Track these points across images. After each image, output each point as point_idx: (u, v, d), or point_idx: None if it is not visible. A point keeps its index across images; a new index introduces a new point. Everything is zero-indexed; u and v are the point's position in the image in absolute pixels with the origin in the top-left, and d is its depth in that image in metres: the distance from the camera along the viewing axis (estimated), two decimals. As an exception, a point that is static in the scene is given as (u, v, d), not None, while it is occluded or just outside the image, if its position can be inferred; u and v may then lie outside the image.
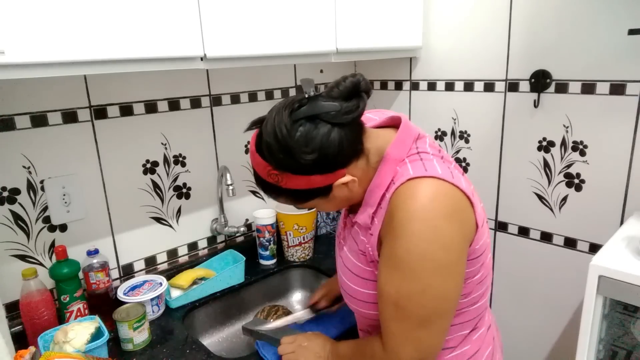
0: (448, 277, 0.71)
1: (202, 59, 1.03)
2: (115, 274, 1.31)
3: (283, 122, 0.72)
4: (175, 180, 1.39)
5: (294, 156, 0.71)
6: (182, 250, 1.45)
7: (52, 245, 1.18)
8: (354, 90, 0.74)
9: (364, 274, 0.82)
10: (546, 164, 1.45)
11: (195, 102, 1.40)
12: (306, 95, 0.74)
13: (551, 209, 1.47)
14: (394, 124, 0.85)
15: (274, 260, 1.56)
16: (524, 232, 1.56)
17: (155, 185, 1.35)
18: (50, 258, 1.18)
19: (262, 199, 1.65)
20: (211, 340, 1.35)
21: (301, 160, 0.71)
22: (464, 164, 1.64)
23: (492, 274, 0.88)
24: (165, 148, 1.36)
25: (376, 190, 0.78)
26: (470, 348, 0.86)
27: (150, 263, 1.38)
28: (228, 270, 1.38)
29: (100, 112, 1.21)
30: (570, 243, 1.45)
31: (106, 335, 1.02)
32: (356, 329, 1.00)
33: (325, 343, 0.95)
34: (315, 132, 0.72)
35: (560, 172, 1.43)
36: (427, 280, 0.70)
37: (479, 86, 1.54)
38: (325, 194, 0.77)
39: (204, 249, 1.51)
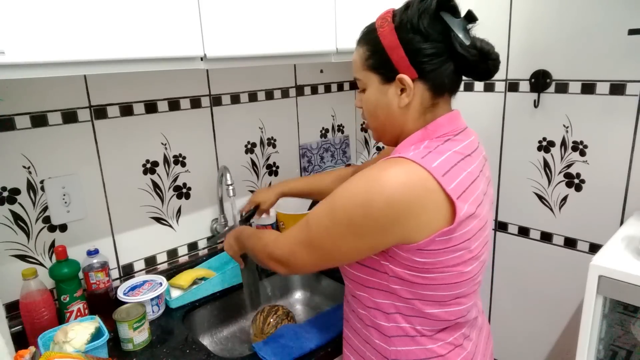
0: (350, 237, 0.75)
1: (202, 59, 1.03)
2: (115, 274, 1.31)
3: (432, 9, 0.75)
4: (175, 180, 1.39)
5: (413, 25, 0.75)
6: (182, 250, 1.45)
7: (52, 245, 1.18)
8: (484, 58, 0.78)
9: None
10: (546, 164, 1.45)
11: (195, 102, 1.40)
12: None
13: (551, 209, 1.47)
14: None
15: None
16: (524, 232, 1.56)
17: (155, 185, 1.35)
18: (50, 258, 1.18)
19: (262, 199, 1.65)
20: (211, 340, 1.35)
21: (414, 33, 0.75)
22: (464, 164, 1.64)
23: (486, 285, 0.87)
24: (165, 148, 1.36)
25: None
26: (437, 347, 0.83)
27: (150, 263, 1.38)
28: (228, 270, 1.38)
29: (100, 112, 1.21)
30: (570, 243, 1.45)
31: (106, 335, 1.02)
32: None
33: (238, 229, 1.12)
34: (438, 36, 0.75)
35: (560, 172, 1.43)
36: (334, 224, 0.75)
37: (478, 86, 1.55)
38: (386, 77, 0.79)
39: (204, 249, 1.51)
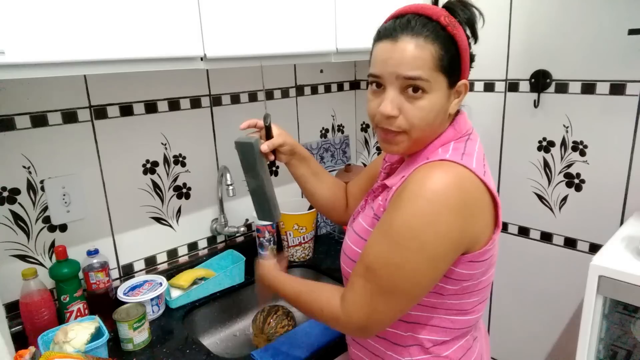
0: (427, 265, 0.69)
1: (202, 59, 1.03)
2: (115, 274, 1.31)
3: (480, 12, 0.75)
4: (175, 180, 1.39)
5: (475, 28, 0.74)
6: (182, 250, 1.45)
7: (52, 245, 1.18)
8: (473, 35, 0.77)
9: (368, 235, 0.80)
10: (546, 164, 1.45)
11: (195, 102, 1.40)
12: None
13: (551, 209, 1.47)
14: None
15: (274, 261, 1.55)
16: (524, 232, 1.56)
17: (155, 185, 1.35)
18: (50, 258, 1.18)
19: (262, 199, 1.65)
20: (211, 340, 1.35)
21: (473, 36, 0.75)
22: (464, 164, 1.64)
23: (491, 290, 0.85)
24: (165, 148, 1.36)
25: (418, 160, 0.76)
26: (451, 353, 0.82)
27: (150, 263, 1.38)
28: (228, 270, 1.38)
29: (100, 112, 1.21)
30: (570, 243, 1.45)
31: (106, 335, 1.02)
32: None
33: (271, 277, 0.96)
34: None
35: (560, 172, 1.43)
36: (407, 257, 0.68)
37: (478, 86, 1.54)
38: (453, 81, 0.74)
39: (204, 249, 1.51)
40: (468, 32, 0.74)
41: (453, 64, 0.72)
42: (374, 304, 0.72)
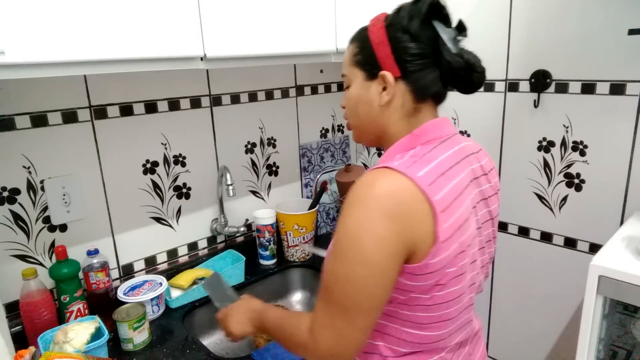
0: (372, 273, 0.68)
1: (202, 59, 1.03)
2: (115, 274, 1.31)
3: (423, 12, 0.75)
4: (175, 180, 1.39)
5: (403, 25, 0.76)
6: (182, 250, 1.45)
7: (52, 245, 1.18)
8: (469, 69, 0.76)
9: None
10: (546, 164, 1.45)
11: (195, 102, 1.40)
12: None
13: (551, 209, 1.47)
14: None
15: (274, 260, 1.56)
16: (524, 232, 1.56)
17: (155, 185, 1.35)
18: (50, 258, 1.18)
19: (262, 199, 1.65)
20: (211, 340, 1.35)
21: (402, 32, 0.76)
22: (464, 164, 1.64)
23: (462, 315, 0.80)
24: (165, 148, 1.36)
25: (377, 164, 0.77)
26: None
27: (150, 263, 1.38)
28: (228, 270, 1.38)
29: (100, 112, 1.21)
30: (570, 243, 1.45)
31: (106, 335, 1.02)
32: None
33: (251, 304, 0.95)
34: (426, 40, 0.75)
35: (560, 172, 1.43)
36: (352, 267, 0.68)
37: (479, 86, 1.54)
38: (370, 73, 0.79)
39: (204, 249, 1.51)
40: (398, 30, 0.76)
41: (367, 58, 0.79)
42: (336, 325, 0.70)
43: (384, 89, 0.78)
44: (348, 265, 0.69)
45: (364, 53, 0.80)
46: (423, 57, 0.76)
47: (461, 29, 0.77)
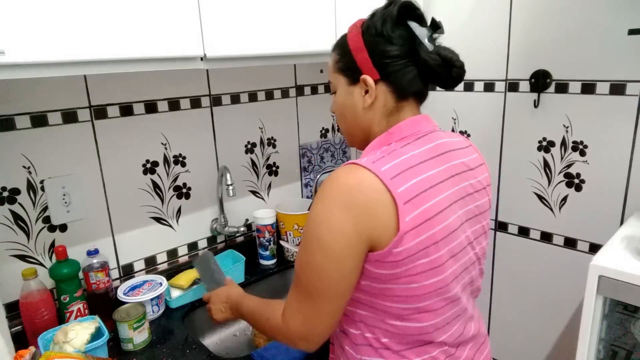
0: (330, 263, 0.73)
1: (202, 59, 1.03)
2: (115, 274, 1.31)
3: (394, 14, 0.78)
4: (175, 180, 1.39)
5: (377, 29, 0.78)
6: (182, 250, 1.45)
7: (52, 245, 1.18)
8: (447, 65, 0.78)
9: None
10: (546, 164, 1.45)
11: (195, 102, 1.40)
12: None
13: (551, 209, 1.47)
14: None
15: (274, 260, 1.56)
16: (524, 232, 1.56)
17: (155, 185, 1.35)
18: (50, 258, 1.18)
19: (262, 199, 1.65)
20: (211, 340, 1.35)
21: (377, 36, 0.78)
22: (464, 164, 1.64)
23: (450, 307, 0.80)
24: (165, 148, 1.36)
25: None
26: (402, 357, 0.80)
27: (150, 263, 1.38)
28: (228, 270, 1.38)
29: (100, 112, 1.21)
30: (570, 243, 1.45)
31: (106, 335, 1.02)
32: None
33: (230, 292, 1.05)
34: (401, 40, 0.78)
35: (560, 172, 1.43)
36: (313, 258, 0.74)
37: (479, 86, 1.55)
38: (352, 78, 0.82)
39: (204, 249, 1.51)
40: (374, 34, 0.79)
41: (348, 64, 0.82)
42: (304, 309, 0.77)
43: (366, 92, 0.81)
44: (310, 254, 0.75)
45: (345, 59, 0.83)
46: (400, 58, 0.78)
47: (435, 26, 0.80)
